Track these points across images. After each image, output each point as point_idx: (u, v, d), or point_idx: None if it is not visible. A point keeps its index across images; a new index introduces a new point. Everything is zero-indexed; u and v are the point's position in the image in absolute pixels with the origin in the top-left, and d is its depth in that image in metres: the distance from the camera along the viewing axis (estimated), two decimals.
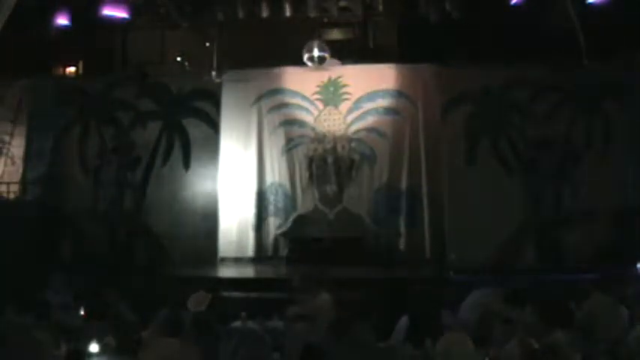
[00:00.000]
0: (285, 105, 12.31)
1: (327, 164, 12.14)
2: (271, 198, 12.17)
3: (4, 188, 11.75)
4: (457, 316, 6.05)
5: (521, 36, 10.76)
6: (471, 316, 5.86)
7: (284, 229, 12.08)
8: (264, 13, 11.44)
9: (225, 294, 8.80)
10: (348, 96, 12.22)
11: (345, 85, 12.22)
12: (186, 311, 6.54)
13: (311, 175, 12.20)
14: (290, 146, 12.30)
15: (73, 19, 11.66)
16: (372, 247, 11.78)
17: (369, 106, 12.14)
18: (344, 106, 12.23)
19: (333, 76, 12.27)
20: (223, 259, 11.96)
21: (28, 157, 12.14)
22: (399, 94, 12.08)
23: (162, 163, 12.27)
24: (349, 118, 12.21)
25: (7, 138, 12.13)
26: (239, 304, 7.73)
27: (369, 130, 12.16)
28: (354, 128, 12.19)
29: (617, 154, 10.96)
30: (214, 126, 12.27)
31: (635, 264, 8.94)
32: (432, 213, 11.60)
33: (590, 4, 10.67)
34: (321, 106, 12.30)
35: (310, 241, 11.93)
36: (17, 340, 4.97)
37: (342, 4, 12.06)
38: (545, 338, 4.71)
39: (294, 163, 12.26)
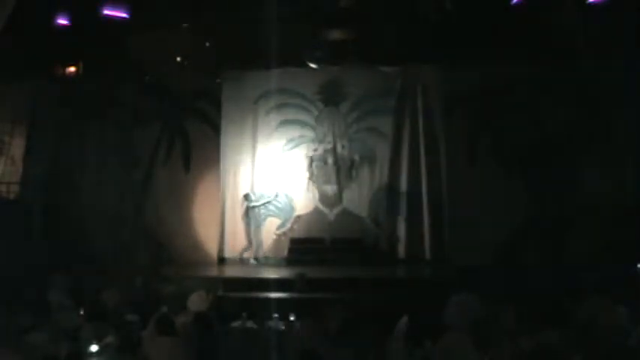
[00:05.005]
0: (285, 105, 12.31)
1: (327, 164, 12.14)
2: (269, 198, 12.16)
3: (4, 188, 11.74)
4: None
5: (521, 36, 10.75)
6: (456, 318, 5.85)
7: (284, 229, 12.08)
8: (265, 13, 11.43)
9: (226, 294, 8.82)
10: (348, 96, 12.22)
11: (345, 85, 12.23)
12: (186, 311, 6.56)
13: (311, 175, 12.21)
14: (290, 146, 12.30)
15: (73, 19, 11.66)
16: (372, 247, 11.78)
17: (369, 106, 12.15)
18: (344, 106, 12.24)
19: (333, 77, 12.28)
20: (223, 259, 11.97)
21: (28, 157, 12.12)
22: (399, 94, 12.09)
23: (163, 164, 12.28)
24: (349, 118, 12.22)
25: (7, 138, 12.12)
26: (239, 304, 7.73)
27: (369, 130, 12.17)
28: (354, 128, 12.20)
29: (617, 154, 10.96)
30: (214, 126, 12.29)
31: (635, 264, 8.94)
32: (432, 213, 11.61)
33: (590, 4, 10.67)
34: (321, 106, 12.30)
35: (310, 241, 11.94)
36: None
37: (342, 4, 12.05)
38: (536, 338, 4.72)
39: (294, 163, 12.26)
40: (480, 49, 10.86)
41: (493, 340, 4.89)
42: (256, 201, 12.12)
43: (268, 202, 12.12)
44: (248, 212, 12.10)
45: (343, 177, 12.14)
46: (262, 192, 12.20)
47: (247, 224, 12.07)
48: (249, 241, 12.04)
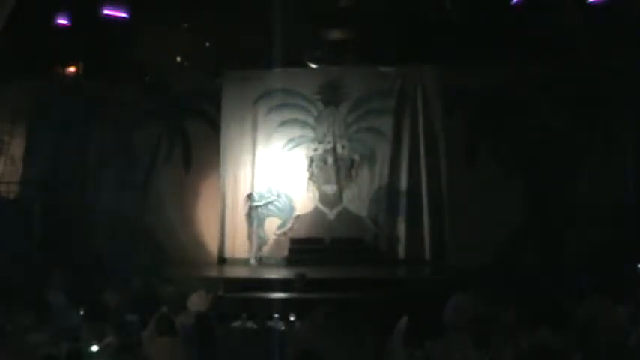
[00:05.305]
0: (285, 105, 12.31)
1: (327, 164, 12.14)
2: (271, 198, 12.17)
3: (4, 188, 11.74)
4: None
5: (521, 36, 10.75)
6: (456, 318, 5.86)
7: (284, 229, 12.08)
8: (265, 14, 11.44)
9: (226, 294, 8.82)
10: (348, 96, 12.23)
11: (345, 86, 12.23)
12: (186, 311, 6.56)
13: (311, 175, 12.21)
14: (290, 146, 12.30)
15: (73, 19, 11.66)
16: (372, 247, 11.79)
17: (369, 106, 12.16)
18: (344, 106, 12.24)
19: (333, 77, 12.28)
20: (223, 260, 11.98)
21: (28, 157, 12.12)
22: (399, 94, 12.10)
23: (163, 163, 12.27)
24: (349, 118, 12.22)
25: (7, 138, 12.11)
26: (239, 304, 7.73)
27: (369, 130, 12.18)
28: (354, 128, 12.20)
29: (617, 153, 10.96)
30: (214, 126, 12.28)
31: (635, 264, 8.94)
32: (432, 213, 11.61)
33: (590, 4, 10.67)
34: (321, 106, 12.31)
35: (310, 241, 11.94)
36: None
37: (342, 4, 12.06)
38: (536, 338, 4.72)
39: (294, 163, 12.26)
40: (480, 49, 10.85)
41: (493, 340, 4.89)
42: (259, 201, 12.12)
43: (270, 202, 12.13)
44: (251, 212, 12.10)
45: (343, 177, 12.14)
46: (263, 192, 12.21)
47: (250, 224, 12.08)
48: (254, 242, 12.02)
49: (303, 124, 12.31)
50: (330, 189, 12.12)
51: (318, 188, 12.17)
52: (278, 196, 12.17)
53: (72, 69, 13.08)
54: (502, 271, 9.54)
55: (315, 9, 11.71)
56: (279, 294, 9.07)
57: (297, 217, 12.11)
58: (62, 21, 11.63)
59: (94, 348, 5.16)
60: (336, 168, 12.13)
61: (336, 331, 5.40)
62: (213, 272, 10.98)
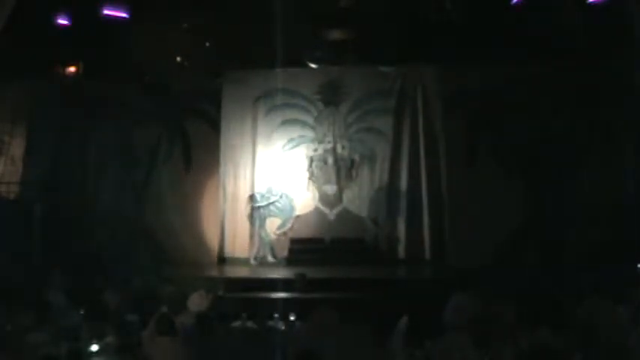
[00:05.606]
0: (285, 105, 12.32)
1: (327, 164, 12.15)
2: (271, 198, 12.17)
3: (4, 188, 11.73)
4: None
5: (521, 36, 10.75)
6: (456, 318, 5.85)
7: (284, 229, 12.08)
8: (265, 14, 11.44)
9: (226, 294, 8.82)
10: (348, 96, 12.23)
11: (345, 85, 12.23)
12: (186, 311, 6.56)
13: (311, 175, 12.21)
14: (290, 146, 12.31)
15: (73, 19, 11.66)
16: (372, 247, 11.79)
17: (369, 106, 12.16)
18: (344, 106, 12.24)
19: (333, 77, 12.29)
20: (224, 260, 11.98)
21: (28, 157, 12.12)
22: (399, 94, 12.10)
23: (163, 163, 12.27)
24: (349, 118, 12.23)
25: (7, 138, 12.11)
26: (239, 304, 7.73)
27: (369, 130, 12.18)
28: (354, 128, 12.21)
29: (617, 153, 10.96)
30: (215, 126, 12.29)
31: (635, 264, 8.94)
32: (432, 213, 11.62)
33: (590, 4, 10.67)
34: (321, 106, 12.31)
35: (310, 241, 11.94)
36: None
37: (342, 4, 12.06)
38: (535, 338, 4.72)
39: (294, 163, 12.26)
40: (480, 49, 10.85)
41: (493, 340, 4.89)
42: (260, 201, 12.12)
43: (272, 203, 12.13)
44: (253, 213, 12.10)
45: (343, 177, 12.15)
46: (263, 192, 12.21)
47: (252, 225, 12.08)
48: (256, 242, 12.02)
49: (303, 124, 12.32)
50: (330, 189, 12.12)
51: (318, 188, 12.18)
52: (280, 196, 12.18)
53: (72, 69, 13.08)
54: (502, 271, 9.55)
55: (315, 9, 11.71)
56: (279, 294, 9.07)
57: (298, 217, 12.12)
58: (62, 21, 11.63)
59: (94, 348, 5.16)
60: (336, 168, 12.14)
61: (336, 331, 5.40)
62: (214, 272, 10.99)
